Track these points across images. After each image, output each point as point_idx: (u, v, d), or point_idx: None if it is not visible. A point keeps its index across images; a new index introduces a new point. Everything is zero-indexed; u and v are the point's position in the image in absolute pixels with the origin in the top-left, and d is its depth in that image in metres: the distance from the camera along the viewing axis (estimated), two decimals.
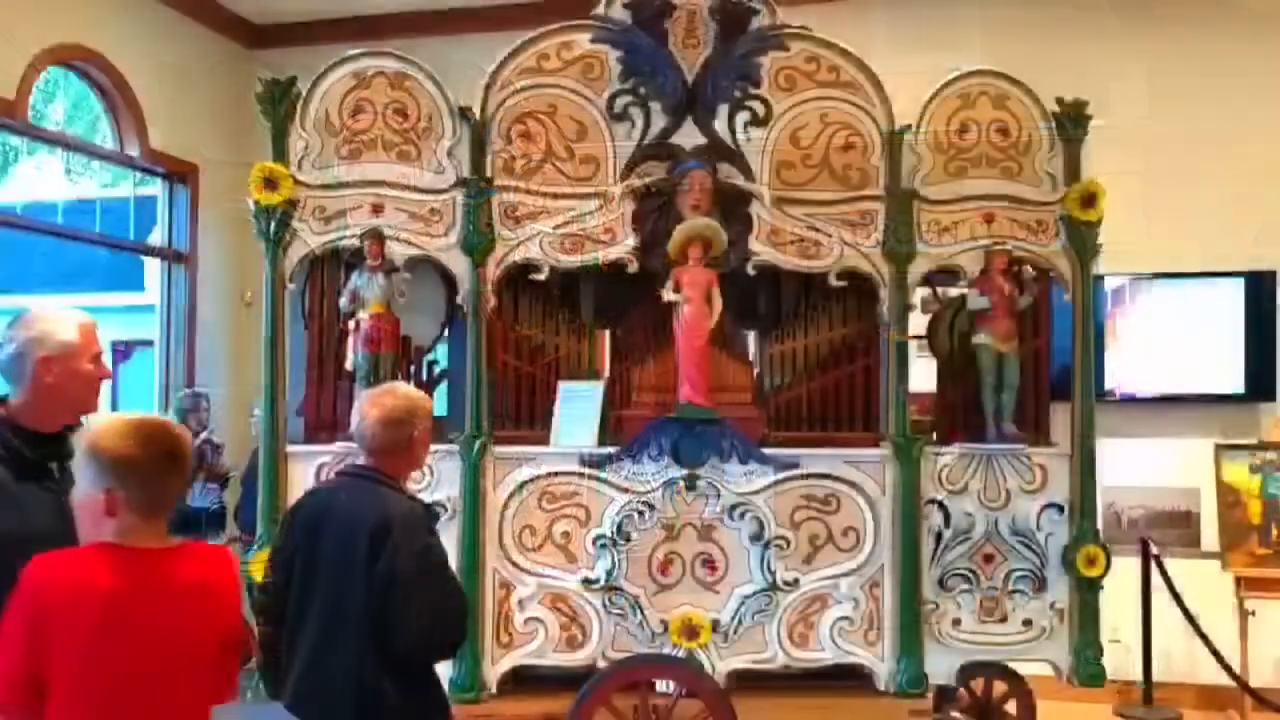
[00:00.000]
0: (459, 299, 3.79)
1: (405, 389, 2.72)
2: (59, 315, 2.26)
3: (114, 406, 11.48)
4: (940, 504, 3.83)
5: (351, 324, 3.75)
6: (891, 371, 3.85)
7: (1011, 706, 3.99)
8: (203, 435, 5.81)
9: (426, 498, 3.67)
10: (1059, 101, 3.92)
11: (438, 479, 3.72)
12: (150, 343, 6.55)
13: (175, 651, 1.81)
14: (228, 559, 1.96)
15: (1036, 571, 3.85)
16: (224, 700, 1.87)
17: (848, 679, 3.87)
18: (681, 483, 3.73)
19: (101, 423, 1.90)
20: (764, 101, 3.87)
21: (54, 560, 1.78)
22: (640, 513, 3.72)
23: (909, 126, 3.86)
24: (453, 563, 3.64)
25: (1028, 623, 3.86)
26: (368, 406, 2.59)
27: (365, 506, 2.46)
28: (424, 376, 3.99)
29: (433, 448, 3.68)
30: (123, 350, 10.93)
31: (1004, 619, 3.85)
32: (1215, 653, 4.80)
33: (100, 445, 1.82)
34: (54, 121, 6.52)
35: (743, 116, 3.87)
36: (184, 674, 1.82)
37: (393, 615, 2.36)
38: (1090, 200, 3.87)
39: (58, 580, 1.75)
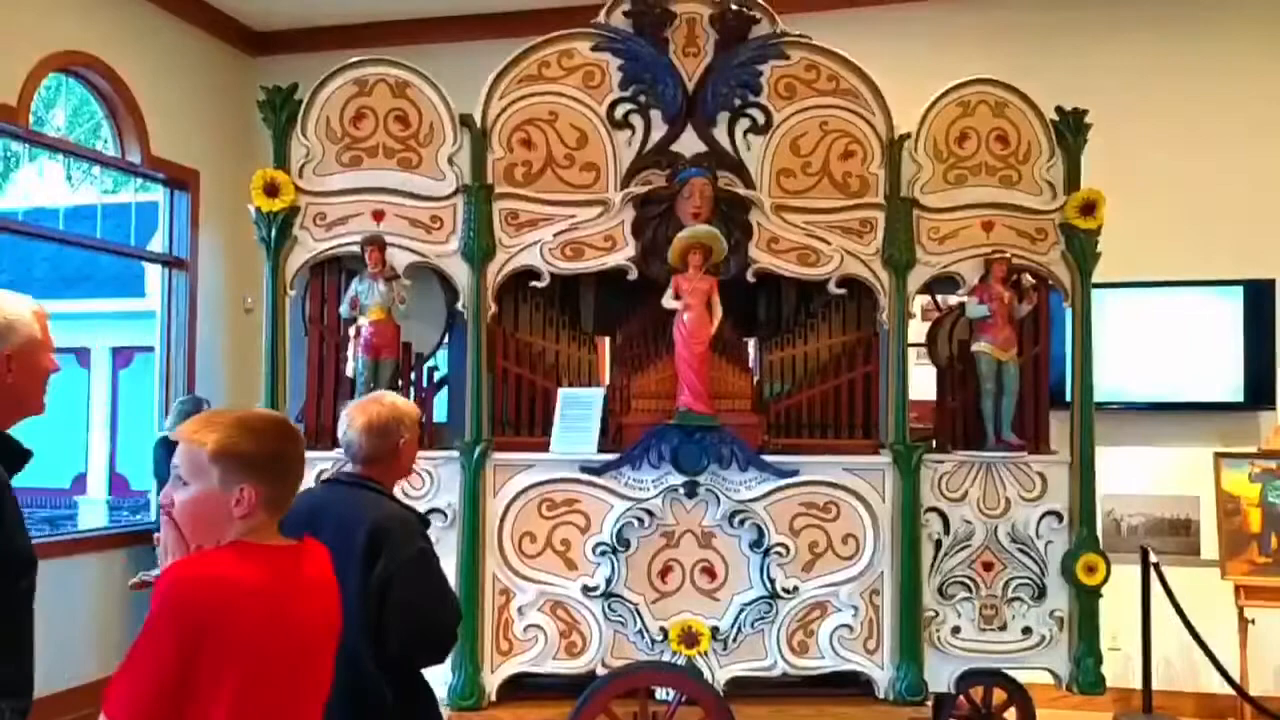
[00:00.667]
0: (459, 305, 3.79)
1: (392, 397, 2.71)
2: (15, 305, 2.00)
3: (114, 412, 11.51)
4: (940, 512, 3.84)
5: (352, 330, 3.75)
6: (891, 379, 3.86)
7: (1011, 714, 3.99)
8: None
9: (426, 504, 3.69)
10: (1058, 110, 3.94)
11: (438, 485, 3.73)
12: (151, 349, 6.55)
13: (315, 644, 1.84)
14: (328, 555, 1.95)
15: (1036, 579, 3.86)
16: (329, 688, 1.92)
17: (847, 686, 3.87)
18: (681, 490, 3.74)
19: (218, 420, 1.80)
20: (764, 109, 3.88)
21: (197, 564, 1.73)
22: (640, 520, 3.73)
23: (908, 135, 3.88)
24: (452, 569, 3.67)
25: (1027, 630, 3.86)
26: (354, 415, 2.59)
27: (361, 510, 2.48)
28: (424, 383, 3.99)
29: (432, 454, 3.73)
30: (124, 356, 10.95)
31: (1004, 627, 3.85)
32: (1215, 661, 4.79)
33: (237, 444, 1.75)
34: (55, 127, 6.53)
35: (743, 124, 3.89)
36: (321, 665, 1.87)
37: (389, 617, 2.38)
38: (1090, 208, 3.88)
39: (208, 583, 1.69)
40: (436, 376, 4.12)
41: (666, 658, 3.70)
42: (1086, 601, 3.85)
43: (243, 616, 1.69)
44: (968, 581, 3.85)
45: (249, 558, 1.75)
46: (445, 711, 3.67)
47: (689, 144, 3.88)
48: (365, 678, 2.40)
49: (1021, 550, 3.86)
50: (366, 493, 2.55)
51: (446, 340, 4.13)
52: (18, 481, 2.05)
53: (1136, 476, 5.47)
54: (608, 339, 4.38)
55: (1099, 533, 3.97)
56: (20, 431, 2.11)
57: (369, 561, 2.39)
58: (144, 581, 3.91)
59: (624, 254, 3.81)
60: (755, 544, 3.75)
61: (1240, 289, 5.45)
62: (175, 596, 1.67)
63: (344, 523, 2.43)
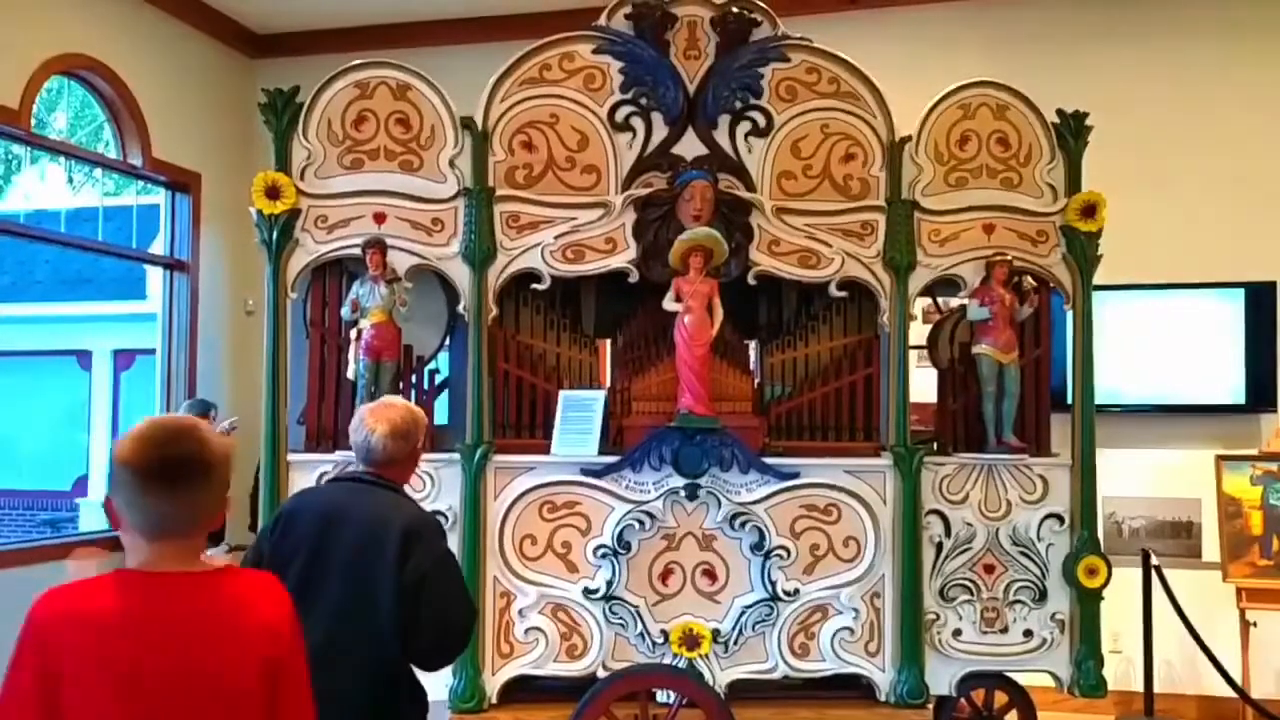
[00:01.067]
0: (460, 308, 3.80)
1: (404, 402, 2.75)
2: None
3: (115, 415, 11.51)
4: (941, 514, 3.84)
5: (353, 333, 3.75)
6: (892, 381, 3.86)
7: (1012, 717, 3.99)
8: None
9: (428, 507, 3.67)
10: (1059, 113, 3.94)
11: (439, 488, 3.73)
12: (152, 351, 6.55)
13: (198, 687, 1.57)
14: (270, 585, 1.73)
15: (1037, 582, 3.86)
16: None
17: (848, 689, 3.87)
18: (682, 492, 3.74)
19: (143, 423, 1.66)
20: (765, 112, 3.88)
21: (57, 593, 1.58)
22: (641, 522, 3.73)
23: (909, 137, 3.88)
24: None
25: (1028, 633, 3.86)
26: (373, 420, 2.60)
27: (391, 510, 2.51)
28: (425, 385, 3.99)
29: (434, 456, 3.73)
30: (125, 358, 10.96)
31: (1005, 629, 3.85)
32: (1216, 663, 4.79)
33: (116, 452, 1.61)
34: (57, 130, 6.54)
35: (744, 127, 3.89)
36: (213, 713, 1.58)
37: (423, 614, 2.41)
38: (1090, 211, 3.88)
39: (58, 614, 1.55)
40: (437, 379, 4.12)
41: (667, 660, 3.70)
42: (1088, 604, 3.85)
43: (86, 653, 1.51)
44: (969, 584, 3.84)
45: (110, 588, 1.58)
46: (447, 714, 3.67)
47: (690, 146, 3.88)
48: (391, 669, 2.44)
49: (1023, 553, 3.86)
50: (390, 493, 2.58)
51: (447, 343, 4.13)
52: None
53: (1138, 479, 5.47)
54: (609, 341, 4.38)
55: (1100, 535, 3.97)
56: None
57: (401, 560, 2.41)
58: None
59: (625, 256, 3.82)
60: (756, 546, 3.75)
61: (1241, 291, 5.44)
62: (28, 631, 1.54)
63: (374, 521, 2.46)
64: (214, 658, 1.58)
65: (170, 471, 1.59)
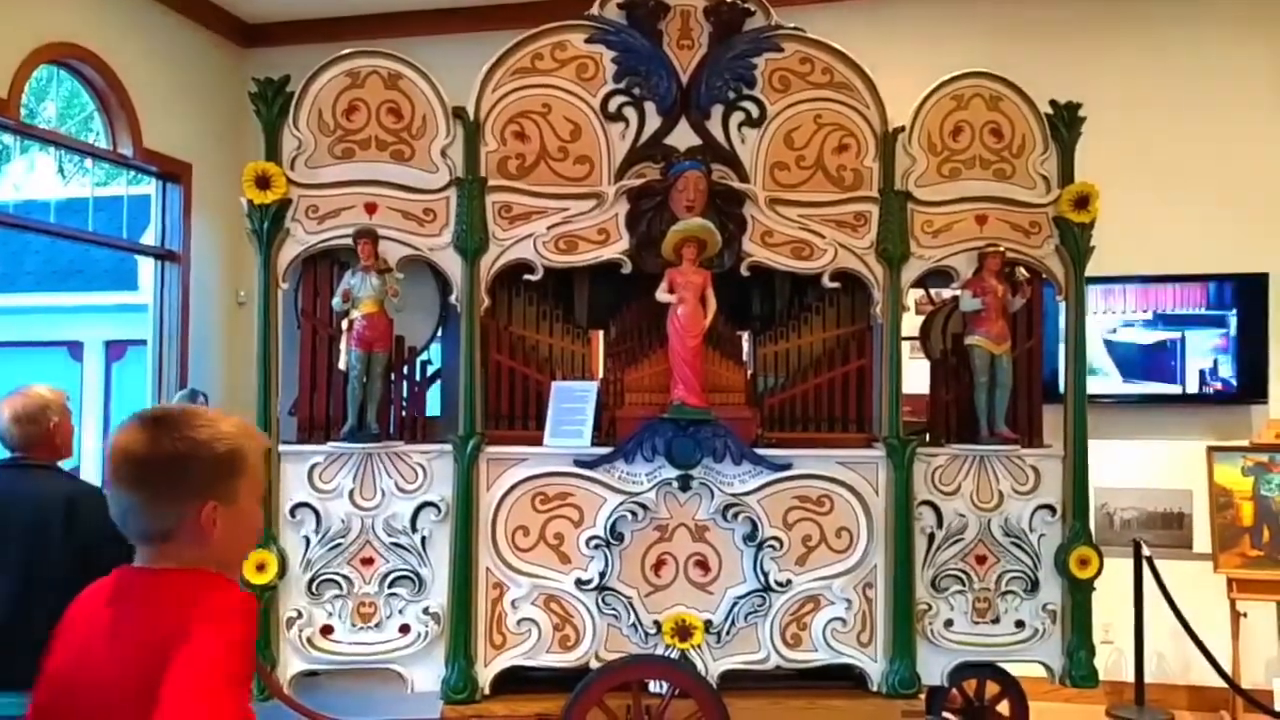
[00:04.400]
0: (452, 299, 3.78)
1: (39, 388, 2.95)
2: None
3: (106, 406, 11.47)
4: (933, 505, 3.84)
5: (345, 323, 3.74)
6: (885, 372, 3.86)
7: (1004, 707, 4.00)
8: None
9: (420, 498, 3.69)
10: (1052, 104, 3.94)
11: (431, 479, 3.72)
12: (143, 342, 6.53)
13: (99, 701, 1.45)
14: (189, 583, 1.51)
15: (1029, 573, 3.87)
16: None
17: (840, 679, 3.87)
18: (675, 483, 3.73)
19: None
20: (758, 102, 3.87)
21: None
22: (633, 513, 3.72)
23: (903, 128, 3.87)
24: (445, 563, 3.67)
25: (1020, 624, 3.87)
26: (3, 408, 2.87)
27: (51, 488, 2.80)
28: (417, 376, 3.98)
29: (426, 448, 3.72)
30: (116, 349, 10.92)
31: (996, 620, 3.86)
32: (1207, 654, 4.81)
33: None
34: (46, 120, 6.49)
35: (737, 117, 3.88)
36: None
37: (94, 574, 2.51)
38: (1083, 202, 3.88)
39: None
40: (429, 370, 4.11)
41: (660, 651, 3.70)
42: (1079, 595, 3.86)
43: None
44: (961, 575, 3.85)
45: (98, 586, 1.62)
46: (439, 705, 3.68)
47: (683, 137, 3.87)
48: None
49: (1014, 543, 3.87)
50: (46, 472, 2.86)
51: (439, 333, 4.12)
52: None
53: (1129, 470, 5.49)
54: (601, 332, 4.37)
55: (1092, 526, 3.98)
56: None
57: (67, 531, 2.72)
58: None
59: (618, 247, 3.80)
60: (749, 537, 3.75)
61: (1233, 283, 5.46)
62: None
63: (35, 500, 2.76)
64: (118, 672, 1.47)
65: (120, 468, 1.53)
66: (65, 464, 3.17)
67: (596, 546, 3.71)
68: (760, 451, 3.76)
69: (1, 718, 2.66)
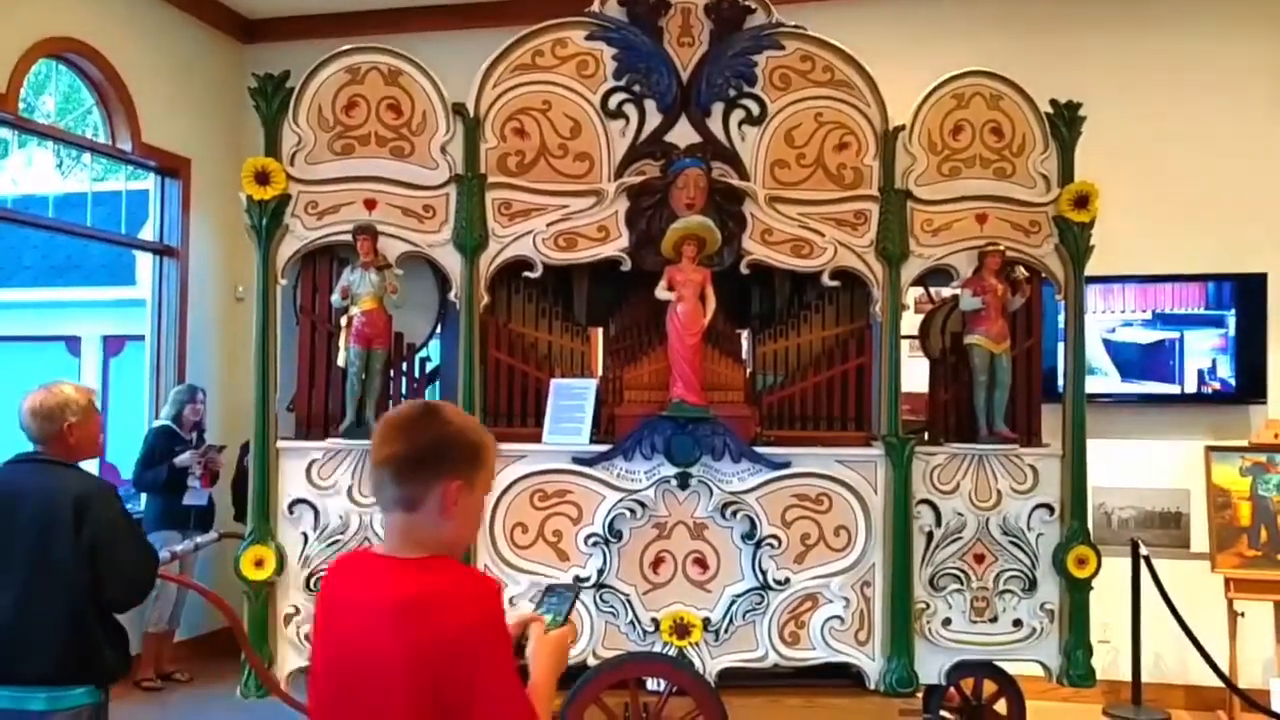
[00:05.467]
0: (452, 296, 3.78)
1: (60, 385, 2.93)
2: None
3: (104, 402, 11.45)
4: (932, 504, 3.84)
5: (343, 320, 3.74)
6: (884, 371, 3.86)
7: (1001, 706, 4.00)
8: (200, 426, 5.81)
9: None
10: (1053, 103, 3.94)
11: None
12: (141, 337, 6.52)
13: (355, 683, 1.60)
14: (462, 584, 1.66)
15: (1027, 572, 3.87)
16: None
17: (838, 678, 3.88)
18: (673, 481, 3.73)
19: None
20: (759, 100, 3.87)
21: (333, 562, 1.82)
22: (632, 511, 3.72)
23: (903, 126, 3.87)
24: None
25: (1018, 623, 3.87)
26: (24, 403, 2.91)
27: (60, 483, 2.83)
28: (416, 373, 3.98)
29: None
30: (114, 344, 10.91)
31: (994, 619, 3.86)
32: (1204, 654, 4.81)
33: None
34: (45, 114, 6.48)
35: (737, 115, 3.87)
36: (376, 687, 1.58)
37: (103, 573, 2.78)
38: (1083, 201, 3.88)
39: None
40: (428, 367, 4.11)
41: (658, 648, 3.70)
42: (1077, 594, 3.86)
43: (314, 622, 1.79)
44: (959, 574, 3.85)
45: (340, 563, 1.81)
46: None
47: (683, 134, 3.86)
48: (82, 621, 2.78)
49: (1013, 542, 3.87)
50: (61, 468, 2.87)
51: (439, 330, 4.12)
52: None
53: (1127, 469, 5.49)
54: (600, 330, 4.37)
55: (1090, 525, 3.98)
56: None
57: (76, 528, 2.75)
58: None
59: (617, 245, 3.80)
60: (747, 535, 3.76)
61: (1232, 283, 5.46)
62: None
63: (46, 495, 2.79)
64: (374, 640, 1.62)
65: (380, 451, 1.68)
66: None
67: (595, 544, 3.71)
68: (759, 450, 3.76)
69: (11, 711, 2.75)
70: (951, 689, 3.98)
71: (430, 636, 1.55)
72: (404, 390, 3.91)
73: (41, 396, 2.88)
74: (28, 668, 2.73)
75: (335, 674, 1.65)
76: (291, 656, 3.68)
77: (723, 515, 3.76)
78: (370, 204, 3.74)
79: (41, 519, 2.77)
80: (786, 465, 3.76)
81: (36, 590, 2.76)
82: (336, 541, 3.68)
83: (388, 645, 1.56)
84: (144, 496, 5.88)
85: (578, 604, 2.03)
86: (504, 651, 1.60)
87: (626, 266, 3.82)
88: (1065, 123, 3.93)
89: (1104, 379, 5.52)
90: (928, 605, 3.83)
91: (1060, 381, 4.04)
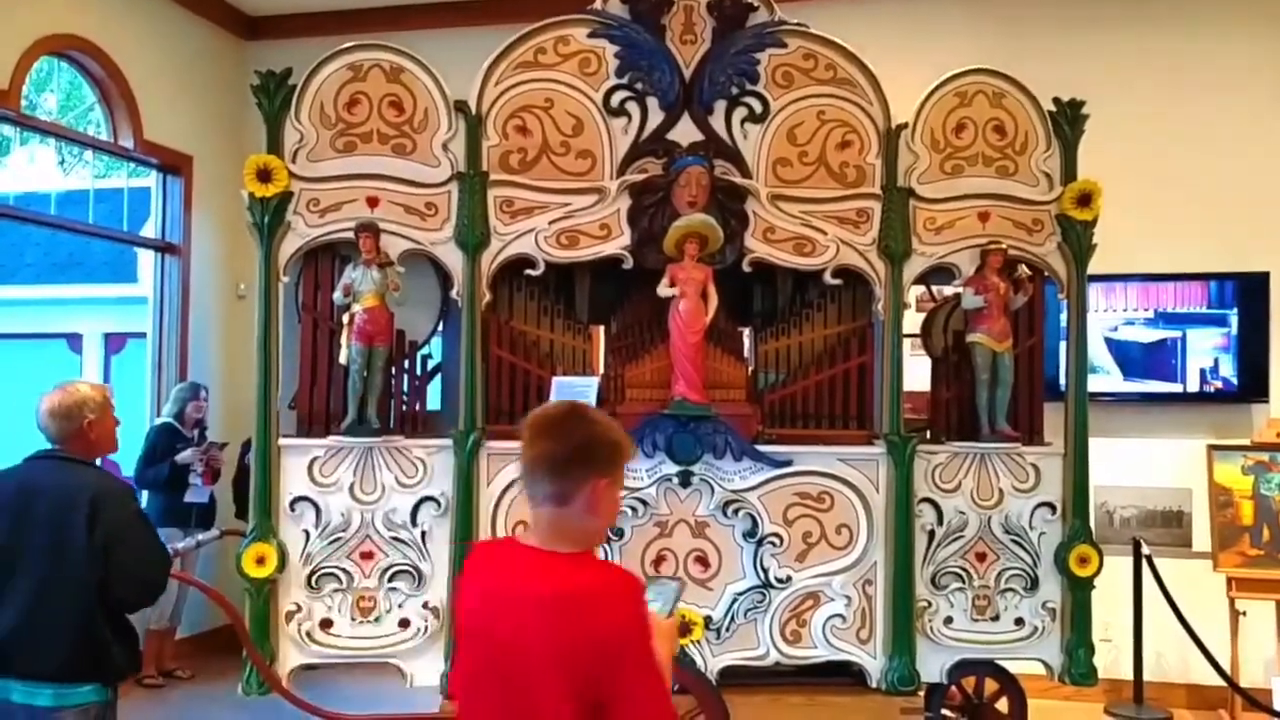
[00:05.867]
0: (454, 293, 3.78)
1: (76, 384, 2.98)
2: None
3: None
4: (933, 502, 3.84)
5: (345, 317, 3.74)
6: (886, 369, 3.85)
7: (1003, 705, 4.00)
8: (203, 423, 5.82)
9: (420, 492, 3.69)
10: (1055, 101, 3.93)
11: (431, 473, 3.72)
12: (143, 334, 6.52)
13: (503, 667, 1.69)
14: (611, 583, 1.74)
15: (1029, 570, 3.87)
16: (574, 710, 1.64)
17: (840, 676, 3.88)
18: (675, 479, 3.73)
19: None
20: (761, 98, 3.87)
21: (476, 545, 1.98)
22: (634, 509, 3.72)
23: (905, 124, 3.86)
24: (445, 557, 3.68)
25: (1020, 621, 3.87)
26: (42, 403, 2.94)
27: (77, 481, 2.85)
28: (418, 371, 3.98)
29: (426, 442, 3.72)
30: (116, 341, 10.92)
31: (996, 617, 3.86)
32: (1206, 652, 4.81)
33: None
34: (47, 111, 6.48)
35: (740, 113, 3.87)
36: (514, 694, 1.67)
37: (114, 572, 2.79)
38: (1086, 199, 3.88)
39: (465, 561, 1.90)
40: (430, 364, 4.11)
41: None
42: (1079, 593, 3.86)
43: (459, 608, 1.93)
44: (961, 572, 3.85)
45: (483, 551, 1.95)
46: (439, 699, 3.68)
47: (685, 132, 3.86)
48: (92, 620, 2.79)
49: (1014, 541, 3.87)
50: (78, 466, 2.90)
51: (440, 328, 4.11)
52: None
53: (1129, 468, 5.48)
54: (602, 328, 4.37)
55: (1091, 524, 3.97)
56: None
57: (90, 526, 2.76)
58: None
59: (619, 243, 3.80)
60: (749, 534, 3.75)
61: (1234, 282, 5.45)
62: None
63: (63, 493, 2.81)
64: (526, 630, 1.68)
65: (535, 447, 1.81)
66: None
67: None
68: (761, 448, 3.76)
69: (20, 705, 2.78)
70: (953, 687, 3.98)
71: (583, 632, 1.62)
72: (405, 387, 3.91)
73: (59, 396, 2.92)
74: (37, 663, 2.77)
75: (485, 661, 1.72)
76: (293, 654, 3.68)
77: (724, 513, 3.76)
78: (372, 201, 3.73)
79: (58, 516, 2.80)
80: (788, 464, 3.76)
81: (51, 587, 2.78)
82: (338, 539, 3.68)
83: (541, 637, 1.63)
84: (146, 494, 5.89)
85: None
86: (649, 647, 1.67)
87: (628, 264, 3.82)
88: (1068, 121, 3.93)
89: (1106, 378, 5.51)
90: (929, 604, 3.83)
91: (1062, 380, 4.03)
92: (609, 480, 1.76)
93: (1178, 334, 5.52)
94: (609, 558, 3.71)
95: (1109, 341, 5.57)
